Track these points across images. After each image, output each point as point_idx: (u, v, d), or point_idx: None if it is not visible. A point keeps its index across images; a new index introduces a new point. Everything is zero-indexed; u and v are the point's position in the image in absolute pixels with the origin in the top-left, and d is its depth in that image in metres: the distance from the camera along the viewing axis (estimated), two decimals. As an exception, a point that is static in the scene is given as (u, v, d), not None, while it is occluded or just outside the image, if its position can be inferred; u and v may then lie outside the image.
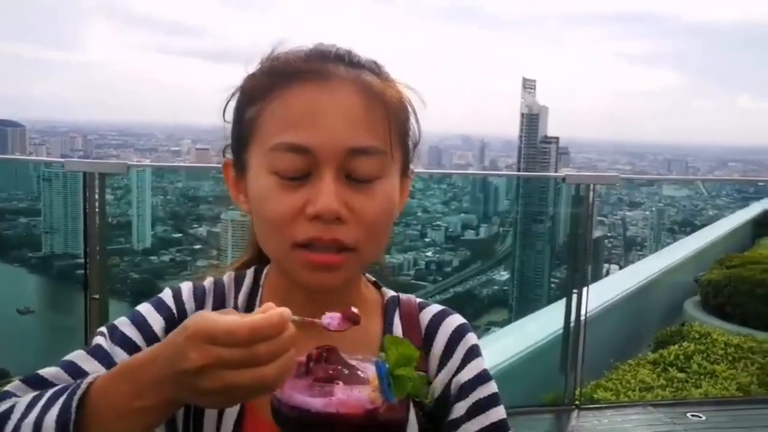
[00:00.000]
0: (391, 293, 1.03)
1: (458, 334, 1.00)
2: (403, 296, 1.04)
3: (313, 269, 0.85)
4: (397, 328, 0.98)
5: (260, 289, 0.98)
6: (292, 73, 0.88)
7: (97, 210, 3.47)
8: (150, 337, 0.91)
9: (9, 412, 0.75)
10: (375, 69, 0.94)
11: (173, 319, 0.93)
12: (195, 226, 6.68)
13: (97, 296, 3.43)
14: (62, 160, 4.01)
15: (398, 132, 0.92)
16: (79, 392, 0.72)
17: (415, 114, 0.98)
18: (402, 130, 0.94)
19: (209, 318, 0.66)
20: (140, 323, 0.92)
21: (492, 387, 0.98)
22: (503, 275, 7.72)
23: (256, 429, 0.89)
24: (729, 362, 4.94)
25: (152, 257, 6.36)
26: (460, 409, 0.95)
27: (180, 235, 6.64)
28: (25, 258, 5.91)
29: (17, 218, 6.06)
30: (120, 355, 0.88)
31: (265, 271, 1.00)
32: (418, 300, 1.05)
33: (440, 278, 7.54)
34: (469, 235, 8.12)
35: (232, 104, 0.95)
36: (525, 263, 6.83)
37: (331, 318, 0.73)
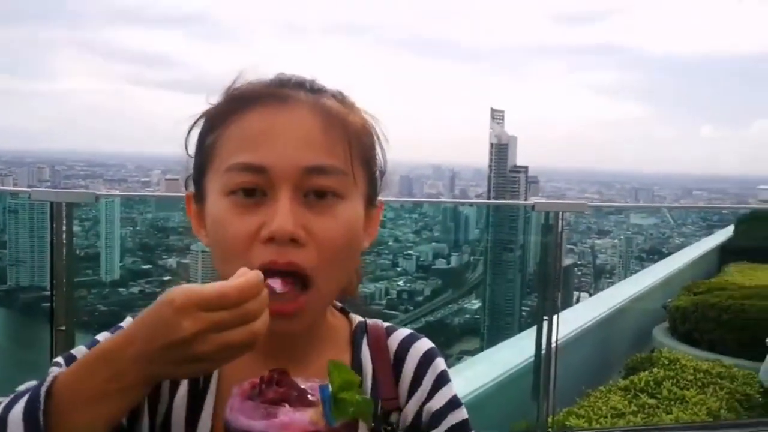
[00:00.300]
0: (358, 319, 1.02)
1: (427, 359, 0.99)
2: (370, 322, 1.02)
3: (272, 317, 0.79)
4: (366, 355, 0.97)
5: None
6: (250, 99, 0.88)
7: (64, 241, 3.42)
8: None
9: None
10: (338, 96, 0.93)
11: None
12: (164, 257, 6.61)
13: (63, 328, 3.36)
14: (29, 189, 3.95)
15: (360, 155, 0.91)
16: (47, 383, 0.71)
17: (380, 142, 0.96)
18: (365, 154, 0.93)
19: (193, 288, 0.68)
20: None
21: (463, 413, 0.98)
22: (474, 304, 7.74)
23: None
24: (698, 387, 4.98)
25: (121, 289, 6.28)
26: None
27: (149, 266, 6.57)
28: (-11, 292, 5.79)
29: (-19, 251, 5.94)
30: None
31: None
32: (386, 325, 1.03)
33: (412, 307, 7.54)
34: (441, 264, 8.14)
35: (195, 136, 0.94)
36: (496, 291, 6.86)
37: (275, 283, 0.80)
